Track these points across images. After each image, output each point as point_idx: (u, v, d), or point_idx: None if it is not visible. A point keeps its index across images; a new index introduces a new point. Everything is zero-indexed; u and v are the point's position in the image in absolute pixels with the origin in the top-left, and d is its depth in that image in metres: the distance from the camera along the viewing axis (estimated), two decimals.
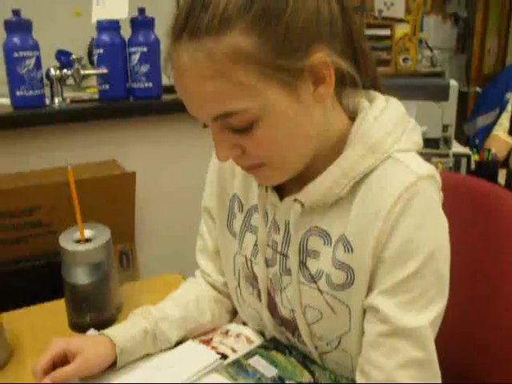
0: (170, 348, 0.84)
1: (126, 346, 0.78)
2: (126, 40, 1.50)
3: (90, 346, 0.76)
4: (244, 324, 0.89)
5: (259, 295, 0.78)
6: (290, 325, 0.76)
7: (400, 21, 4.15)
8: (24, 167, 1.39)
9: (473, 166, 1.92)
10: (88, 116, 1.47)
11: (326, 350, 0.72)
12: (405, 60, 3.99)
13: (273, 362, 0.78)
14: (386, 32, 4.15)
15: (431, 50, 4.00)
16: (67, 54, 1.48)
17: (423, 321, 0.62)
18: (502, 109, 2.56)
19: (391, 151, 0.64)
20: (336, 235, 0.67)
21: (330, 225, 0.68)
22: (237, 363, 0.78)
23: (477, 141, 2.84)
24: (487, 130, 2.73)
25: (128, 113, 1.54)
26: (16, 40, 1.29)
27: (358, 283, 0.65)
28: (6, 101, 1.40)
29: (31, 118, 1.34)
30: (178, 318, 0.85)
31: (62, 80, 1.42)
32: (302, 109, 0.61)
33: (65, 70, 1.42)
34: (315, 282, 0.69)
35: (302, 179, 0.68)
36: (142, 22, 1.47)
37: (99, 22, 1.42)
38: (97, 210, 1.39)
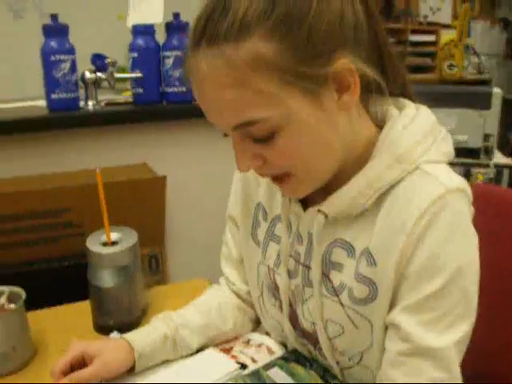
0: (190, 355, 0.85)
1: (144, 351, 0.79)
2: (161, 44, 1.53)
3: (109, 350, 0.77)
4: (267, 334, 0.88)
5: (281, 306, 0.77)
6: (311, 338, 0.75)
7: (446, 26, 4.08)
8: (58, 168, 1.43)
9: None
10: (121, 119, 1.50)
11: (348, 365, 0.71)
12: (450, 67, 3.92)
13: (292, 375, 0.77)
14: (431, 38, 4.08)
15: (478, 56, 3.91)
16: (102, 57, 1.52)
17: (448, 341, 0.59)
18: None
19: (419, 162, 0.62)
20: (360, 248, 0.65)
21: (354, 237, 0.66)
22: (255, 374, 0.78)
23: None
24: None
25: (161, 117, 1.56)
26: (53, 44, 1.33)
27: (380, 298, 0.63)
28: (43, 103, 1.45)
29: (65, 120, 1.38)
30: (199, 325, 0.85)
31: (96, 83, 1.45)
32: (326, 117, 0.59)
33: (99, 74, 1.45)
34: (337, 296, 0.68)
35: (326, 189, 0.66)
36: (176, 27, 1.49)
37: (134, 27, 1.46)
38: (127, 213, 1.42)
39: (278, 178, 0.64)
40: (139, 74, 1.46)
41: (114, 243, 1.04)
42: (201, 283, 1.14)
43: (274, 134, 0.58)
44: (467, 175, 1.74)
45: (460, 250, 0.60)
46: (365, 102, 0.66)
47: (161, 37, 1.53)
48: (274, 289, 0.77)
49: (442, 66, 3.91)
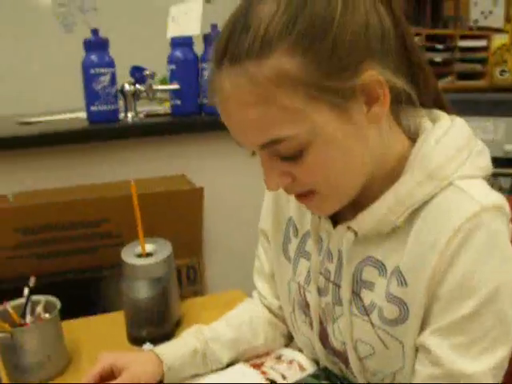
0: (220, 369, 0.85)
1: (174, 365, 0.79)
2: (199, 56, 1.55)
3: (138, 363, 0.78)
4: (299, 350, 0.87)
5: (311, 324, 0.76)
6: (342, 356, 0.73)
7: (498, 30, 3.97)
8: (97, 179, 1.47)
9: None
10: (159, 131, 1.53)
11: (382, 383, 0.69)
12: (502, 72, 3.80)
13: None
14: (482, 43, 3.98)
15: None
16: (141, 69, 1.56)
17: (483, 366, 0.57)
18: None
19: (453, 178, 0.60)
20: (391, 267, 0.64)
21: (385, 255, 0.64)
22: None
23: None
24: None
25: (199, 128, 1.58)
26: (93, 58, 1.38)
27: (412, 319, 0.61)
28: (84, 115, 1.49)
29: (104, 132, 1.42)
30: (229, 339, 0.85)
31: (135, 95, 1.49)
32: (355, 130, 0.58)
33: (138, 86, 1.49)
34: (368, 315, 0.66)
35: (357, 205, 0.65)
36: (214, 38, 1.51)
37: (173, 39, 1.49)
38: (165, 224, 1.44)
39: (303, 196, 0.63)
40: (177, 86, 1.49)
41: (148, 255, 1.06)
42: (236, 295, 1.15)
43: (302, 152, 0.57)
44: None
45: (496, 271, 0.57)
46: (396, 114, 0.64)
47: (199, 48, 1.56)
48: (305, 306, 0.76)
49: (494, 71, 3.80)
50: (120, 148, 1.50)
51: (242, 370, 0.83)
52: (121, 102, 1.51)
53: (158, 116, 1.64)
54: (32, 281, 0.94)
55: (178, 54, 1.51)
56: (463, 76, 3.99)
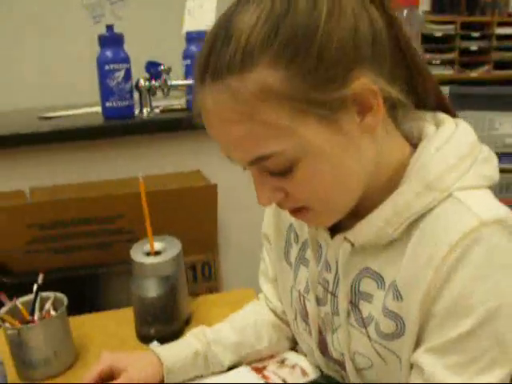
0: (222, 371, 0.86)
1: (174, 367, 0.81)
2: None
3: (137, 364, 0.80)
4: (305, 354, 0.88)
5: (311, 332, 0.76)
6: (342, 366, 0.73)
7: None
8: (112, 175, 1.49)
9: None
10: (175, 126, 1.55)
11: None
12: None
13: None
14: None
15: None
16: (156, 64, 1.58)
17: None
18: None
19: (453, 189, 0.58)
20: (389, 279, 0.62)
21: (383, 267, 0.63)
22: None
23: None
24: None
25: None
26: (108, 53, 1.40)
27: (407, 334, 0.60)
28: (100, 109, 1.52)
29: (119, 128, 1.45)
30: (232, 342, 0.86)
31: (150, 90, 1.51)
32: (347, 142, 0.56)
33: (153, 81, 1.51)
34: (365, 328, 0.66)
35: (356, 214, 0.63)
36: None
37: (188, 33, 1.50)
38: (179, 220, 1.46)
39: (296, 211, 0.62)
40: (192, 81, 1.50)
41: (158, 253, 1.08)
42: (248, 293, 1.16)
43: (291, 167, 0.56)
44: None
45: (495, 289, 0.54)
46: (395, 118, 0.62)
47: None
48: (305, 315, 0.76)
49: None
50: (135, 144, 1.52)
51: (243, 374, 0.85)
52: (136, 98, 1.53)
53: (174, 111, 1.66)
54: (40, 278, 0.97)
55: (194, 48, 1.51)
56: (500, 65, 3.89)
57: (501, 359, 0.55)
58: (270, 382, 0.82)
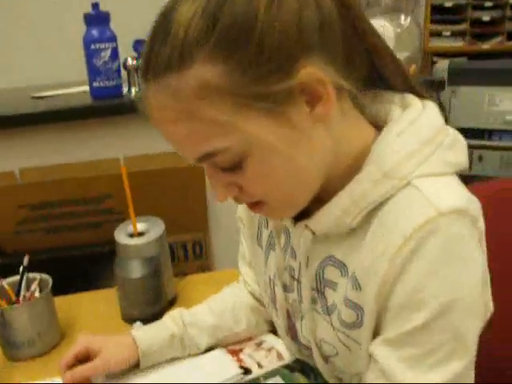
0: (199, 353, 0.89)
1: (150, 349, 0.84)
2: None
3: (112, 346, 0.83)
4: None
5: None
6: (311, 352, 0.74)
7: None
8: (101, 155, 1.52)
9: None
10: None
11: (351, 382, 0.69)
12: None
13: None
14: None
15: None
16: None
17: (434, 379, 0.55)
18: None
19: (412, 176, 0.56)
20: (352, 268, 0.61)
21: (346, 256, 0.62)
22: (254, 382, 0.80)
23: None
24: None
25: None
26: (94, 32, 1.41)
27: (366, 325, 0.60)
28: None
29: (107, 108, 1.46)
30: (209, 326, 0.89)
31: (138, 69, 1.51)
32: (297, 134, 0.55)
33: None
34: (329, 315, 0.66)
35: (319, 200, 0.62)
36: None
37: None
38: (168, 200, 1.49)
39: (254, 205, 0.62)
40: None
41: (141, 234, 1.10)
42: (234, 273, 1.19)
43: (240, 163, 0.55)
44: None
45: (451, 282, 0.53)
46: (357, 103, 0.61)
47: None
48: (274, 300, 0.77)
49: None
50: (124, 123, 1.53)
51: (218, 357, 0.87)
52: (125, 77, 1.53)
53: None
54: (26, 259, 1.00)
55: None
56: None
57: (458, 352, 0.55)
58: (244, 364, 0.84)
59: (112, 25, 1.44)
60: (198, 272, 1.60)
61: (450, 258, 0.53)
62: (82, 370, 0.80)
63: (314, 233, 0.64)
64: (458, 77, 2.10)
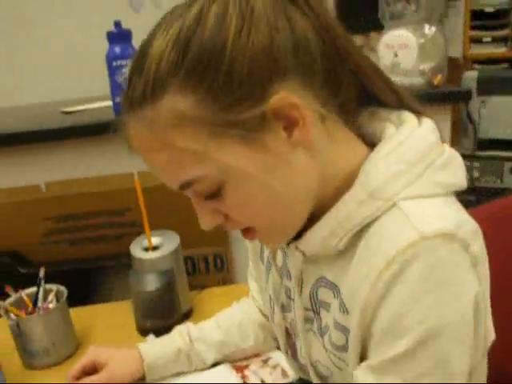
0: (204, 368, 0.92)
1: (155, 363, 0.87)
2: None
3: (119, 360, 0.87)
4: None
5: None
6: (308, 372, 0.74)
7: None
8: (125, 169, 1.56)
9: None
10: None
11: None
12: None
13: None
14: None
15: None
16: None
17: None
18: None
19: (398, 198, 0.55)
20: (342, 290, 0.61)
21: (337, 277, 0.61)
22: None
23: None
24: None
25: None
26: (116, 50, 1.46)
27: (351, 349, 0.59)
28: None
29: None
30: (216, 341, 0.91)
31: None
32: (275, 160, 0.55)
33: None
34: (322, 337, 0.66)
35: (313, 219, 0.61)
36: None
37: None
38: (190, 212, 1.52)
39: (244, 231, 0.61)
40: None
41: (156, 248, 1.14)
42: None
43: (219, 191, 0.56)
44: None
45: (435, 308, 0.52)
46: (349, 121, 0.60)
47: None
48: (274, 318, 0.78)
49: None
50: None
51: (223, 373, 0.90)
52: None
53: None
54: (42, 271, 1.06)
55: None
56: None
57: (445, 380, 0.54)
58: (247, 381, 0.87)
59: (134, 42, 1.49)
60: (219, 285, 1.63)
61: (434, 283, 0.52)
62: (88, 381, 0.83)
63: (304, 254, 0.64)
64: (488, 86, 2.07)
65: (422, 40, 1.61)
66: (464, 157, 0.61)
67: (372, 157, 0.58)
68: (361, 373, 0.57)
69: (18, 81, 2.27)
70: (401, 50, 1.62)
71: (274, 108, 0.52)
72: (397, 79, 1.63)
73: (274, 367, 0.90)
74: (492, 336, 0.61)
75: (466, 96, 1.69)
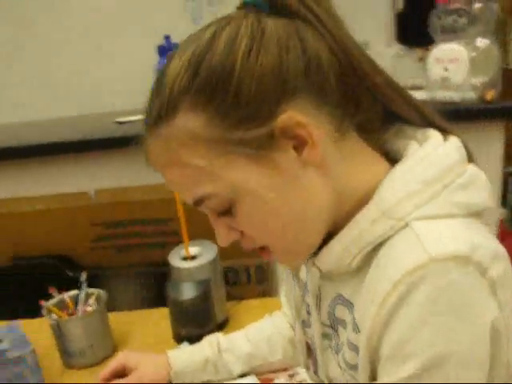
0: (230, 379, 0.94)
1: (183, 371, 0.90)
2: None
3: (148, 365, 0.90)
4: None
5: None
6: None
7: None
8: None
9: None
10: None
11: None
12: None
13: None
14: None
15: None
16: None
17: None
18: None
19: (411, 218, 0.54)
20: (356, 308, 0.60)
21: (353, 295, 0.61)
22: None
23: None
24: None
25: None
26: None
27: (360, 368, 0.58)
28: None
29: None
30: (245, 353, 0.93)
31: None
32: (285, 179, 0.56)
33: None
34: (337, 354, 0.65)
35: (333, 234, 0.61)
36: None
37: None
38: None
39: (261, 252, 0.62)
40: None
41: (194, 257, 1.18)
42: None
43: (230, 208, 0.57)
44: None
45: (443, 333, 0.50)
46: (371, 139, 0.61)
47: None
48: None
49: None
50: None
51: None
52: None
53: None
54: (84, 276, 1.11)
55: None
56: None
57: None
58: None
59: None
60: (259, 297, 1.65)
61: (443, 306, 0.49)
62: None
63: (320, 270, 0.64)
64: None
65: (474, 53, 1.58)
66: None
67: (390, 175, 0.58)
68: None
69: (90, 91, 2.34)
70: (451, 64, 1.60)
71: (281, 127, 0.53)
72: (447, 94, 1.63)
73: (300, 382, 0.91)
74: None
75: None
